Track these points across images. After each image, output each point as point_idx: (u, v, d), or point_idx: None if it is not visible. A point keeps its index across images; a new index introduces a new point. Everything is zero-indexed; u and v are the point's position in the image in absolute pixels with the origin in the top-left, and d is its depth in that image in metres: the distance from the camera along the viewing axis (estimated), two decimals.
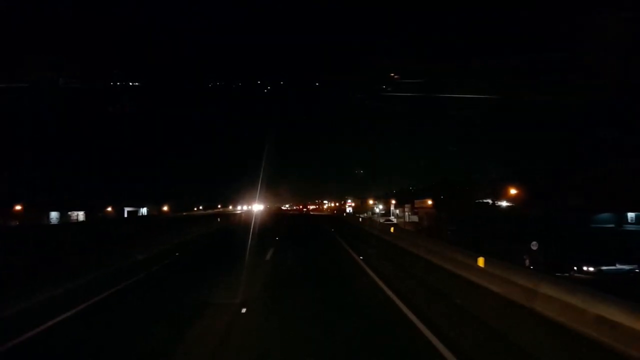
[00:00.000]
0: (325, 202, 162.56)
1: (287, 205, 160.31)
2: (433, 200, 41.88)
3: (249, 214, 50.75)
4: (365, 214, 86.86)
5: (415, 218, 51.23)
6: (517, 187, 30.85)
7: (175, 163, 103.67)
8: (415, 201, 50.64)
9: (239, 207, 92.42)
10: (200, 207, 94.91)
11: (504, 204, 63.81)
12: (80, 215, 42.41)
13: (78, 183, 48.77)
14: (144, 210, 55.49)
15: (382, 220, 57.56)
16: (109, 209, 42.77)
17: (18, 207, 36.58)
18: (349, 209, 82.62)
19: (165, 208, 54.99)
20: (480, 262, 8.25)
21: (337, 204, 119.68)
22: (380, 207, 79.34)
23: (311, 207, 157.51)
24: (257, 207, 58.55)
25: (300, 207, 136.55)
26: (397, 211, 62.28)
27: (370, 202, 68.95)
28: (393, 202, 54.39)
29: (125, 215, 51.09)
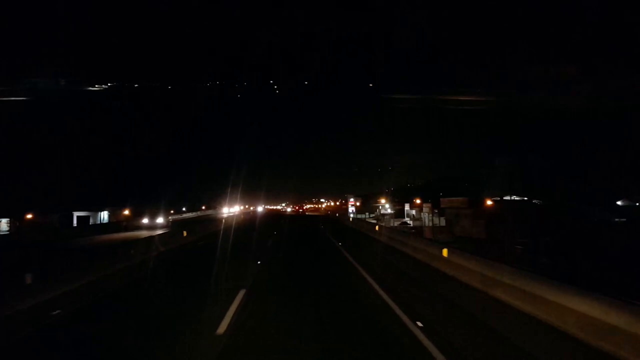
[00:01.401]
0: (322, 200, 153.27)
1: (283, 204, 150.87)
2: (492, 200, 31.36)
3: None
4: (366, 215, 76.93)
5: (440, 221, 41.08)
6: None
7: (162, 162, 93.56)
8: (442, 199, 40.41)
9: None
10: (184, 209, 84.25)
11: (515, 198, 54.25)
12: (4, 224, 31.91)
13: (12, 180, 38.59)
14: (104, 215, 44.97)
15: (396, 223, 47.43)
16: (29, 215, 32.13)
17: None
18: (351, 209, 72.30)
19: (126, 212, 44.53)
20: None
21: (336, 203, 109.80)
22: (387, 205, 69.31)
23: (307, 206, 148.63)
24: (228, 211, 47.72)
25: (297, 207, 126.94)
26: (414, 212, 52.12)
27: (383, 200, 58.46)
28: (417, 200, 44.07)
29: (75, 223, 40.59)
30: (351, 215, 66.81)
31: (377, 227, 20.40)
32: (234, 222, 36.01)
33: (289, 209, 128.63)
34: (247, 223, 39.17)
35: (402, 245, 15.05)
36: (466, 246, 23.15)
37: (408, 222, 47.39)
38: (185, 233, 20.84)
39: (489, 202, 30.35)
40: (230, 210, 77.64)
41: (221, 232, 26.17)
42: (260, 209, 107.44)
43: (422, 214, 47.45)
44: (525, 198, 53.14)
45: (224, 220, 35.07)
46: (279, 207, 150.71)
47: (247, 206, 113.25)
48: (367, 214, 77.96)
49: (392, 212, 57.28)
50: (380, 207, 77.68)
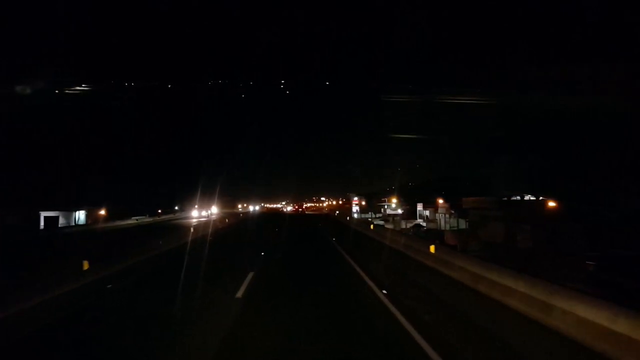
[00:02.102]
0: (322, 199, 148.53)
1: (283, 203, 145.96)
2: (556, 200, 26.04)
3: None
4: (371, 215, 71.87)
5: (459, 223, 36.08)
6: None
7: (161, 161, 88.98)
8: (464, 199, 35.38)
9: None
10: (176, 207, 79.33)
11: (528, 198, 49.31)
12: None
13: None
14: (80, 215, 40.00)
15: (408, 225, 42.42)
16: None
17: None
18: (355, 209, 67.43)
19: (102, 212, 39.57)
20: None
21: (338, 202, 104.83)
22: (393, 205, 64.36)
23: (308, 205, 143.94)
24: (199, 214, 40.31)
25: (296, 207, 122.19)
26: (427, 212, 47.09)
27: (394, 200, 53.23)
28: (440, 201, 38.74)
29: (42, 224, 35.64)
30: (355, 215, 61.98)
31: (432, 248, 12.14)
32: (209, 231, 24.48)
33: (289, 208, 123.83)
34: (226, 232, 26.94)
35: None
36: (506, 259, 18.14)
37: (422, 224, 42.37)
38: (86, 265, 10.32)
39: (551, 204, 24.95)
40: (203, 213, 60.15)
41: (176, 254, 15.78)
42: (252, 208, 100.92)
43: (437, 215, 42.51)
44: (541, 197, 48.50)
45: (192, 230, 22.15)
46: (278, 206, 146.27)
47: (244, 205, 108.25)
48: (370, 213, 72.90)
49: (402, 212, 52.25)
50: (386, 207, 72.51)
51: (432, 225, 41.46)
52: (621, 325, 4.77)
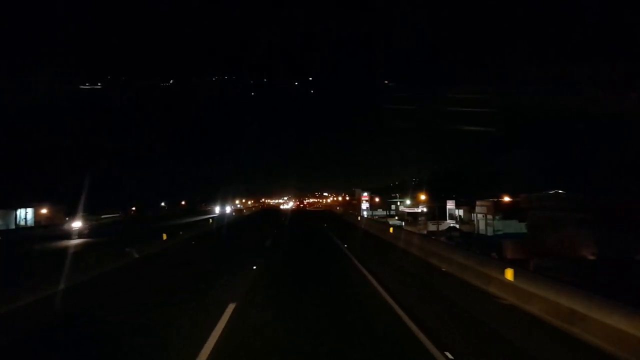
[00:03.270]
0: (325, 194, 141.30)
1: (285, 198, 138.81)
2: None
3: None
4: (385, 213, 63.81)
5: (509, 225, 27.52)
6: None
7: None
8: (522, 195, 26.86)
9: None
10: (163, 204, 71.23)
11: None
12: None
13: None
14: (23, 213, 31.65)
15: (438, 227, 33.94)
16: None
17: None
18: (365, 206, 59.10)
19: (44, 211, 31.39)
20: None
21: (345, 198, 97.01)
22: (408, 202, 56.15)
23: (310, 200, 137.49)
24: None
25: (298, 203, 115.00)
26: (461, 212, 38.53)
27: (422, 197, 44.62)
28: (507, 198, 29.70)
29: None
30: (365, 213, 53.88)
31: None
32: None
33: (290, 204, 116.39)
34: None
35: None
36: None
37: (456, 226, 33.84)
38: None
39: None
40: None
41: None
42: (219, 209, 62.58)
43: (474, 215, 34.00)
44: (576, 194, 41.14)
45: None
46: (280, 201, 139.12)
47: (243, 202, 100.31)
48: (380, 210, 64.86)
49: (424, 210, 43.76)
50: (399, 204, 64.23)
51: (467, 228, 33.09)
52: None
